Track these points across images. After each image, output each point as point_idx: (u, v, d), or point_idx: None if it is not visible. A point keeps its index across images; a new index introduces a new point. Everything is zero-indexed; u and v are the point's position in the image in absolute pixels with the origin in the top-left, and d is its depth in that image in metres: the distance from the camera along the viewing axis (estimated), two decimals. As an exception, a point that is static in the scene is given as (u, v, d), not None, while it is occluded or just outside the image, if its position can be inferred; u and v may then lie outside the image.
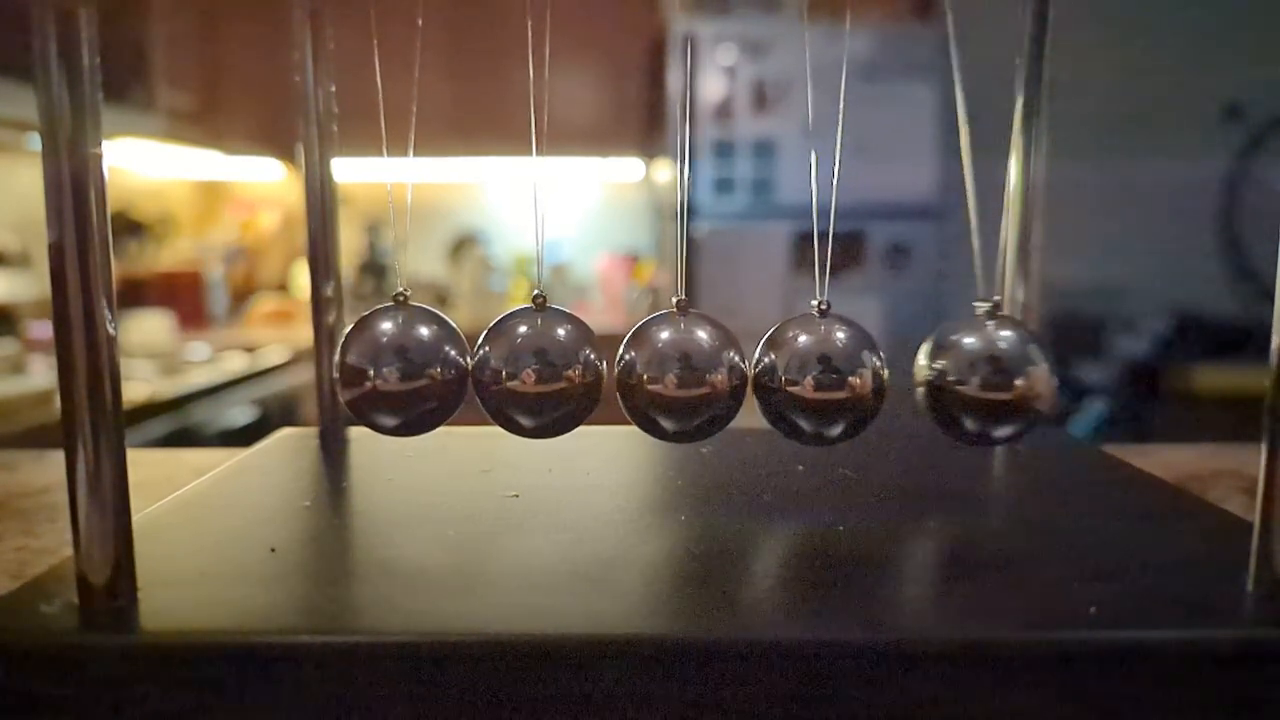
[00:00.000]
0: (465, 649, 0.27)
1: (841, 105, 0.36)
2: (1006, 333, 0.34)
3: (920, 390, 0.35)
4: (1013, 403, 0.33)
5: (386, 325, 0.33)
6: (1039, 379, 0.33)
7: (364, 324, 0.34)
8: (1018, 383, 0.33)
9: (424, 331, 0.33)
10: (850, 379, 0.33)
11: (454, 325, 0.34)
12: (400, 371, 0.33)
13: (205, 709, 0.27)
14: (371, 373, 0.33)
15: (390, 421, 0.34)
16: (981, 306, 0.34)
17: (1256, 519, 0.29)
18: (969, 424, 0.34)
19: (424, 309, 0.34)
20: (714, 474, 0.43)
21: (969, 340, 0.34)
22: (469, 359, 0.34)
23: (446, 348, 0.34)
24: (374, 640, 0.27)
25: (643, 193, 2.68)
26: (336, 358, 0.34)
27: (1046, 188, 0.47)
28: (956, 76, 0.36)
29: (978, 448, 0.35)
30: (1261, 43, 2.32)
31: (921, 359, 0.35)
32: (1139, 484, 0.42)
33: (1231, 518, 0.37)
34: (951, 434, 0.34)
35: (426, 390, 0.33)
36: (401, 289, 0.34)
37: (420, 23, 0.38)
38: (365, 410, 0.33)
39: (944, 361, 0.34)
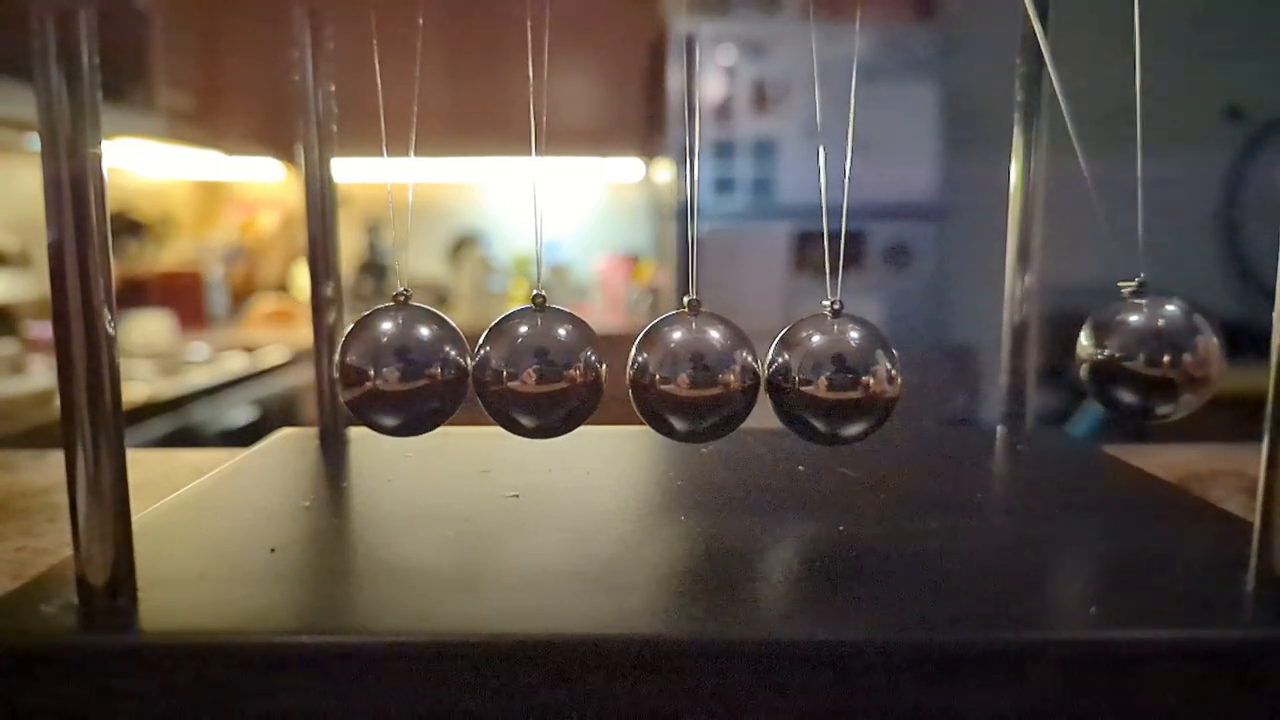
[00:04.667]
0: (465, 649, 0.27)
1: (852, 104, 0.36)
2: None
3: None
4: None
5: (386, 325, 0.33)
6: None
7: (364, 324, 0.34)
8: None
9: (424, 331, 0.33)
10: (864, 379, 0.33)
11: (454, 325, 0.34)
12: (400, 371, 0.33)
13: (205, 709, 0.27)
14: (372, 373, 0.33)
15: (390, 422, 0.34)
16: (1128, 286, 0.34)
17: (1256, 519, 0.29)
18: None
19: (424, 309, 0.34)
20: (714, 474, 0.43)
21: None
22: (469, 359, 0.34)
23: (447, 348, 0.34)
24: (374, 640, 0.27)
25: (643, 193, 2.68)
26: (336, 358, 0.34)
27: (1046, 187, 0.47)
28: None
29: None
30: (1261, 43, 2.32)
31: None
32: (1139, 484, 0.42)
33: (1231, 518, 0.36)
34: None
35: (427, 390, 0.33)
36: (402, 289, 0.34)
37: (421, 22, 0.38)
38: (365, 410, 0.33)
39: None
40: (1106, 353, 0.34)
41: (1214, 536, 0.35)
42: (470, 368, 0.34)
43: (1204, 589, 0.30)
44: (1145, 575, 0.31)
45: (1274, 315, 0.28)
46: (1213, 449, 0.59)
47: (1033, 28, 0.46)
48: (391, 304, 0.34)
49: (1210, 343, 0.33)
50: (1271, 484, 0.28)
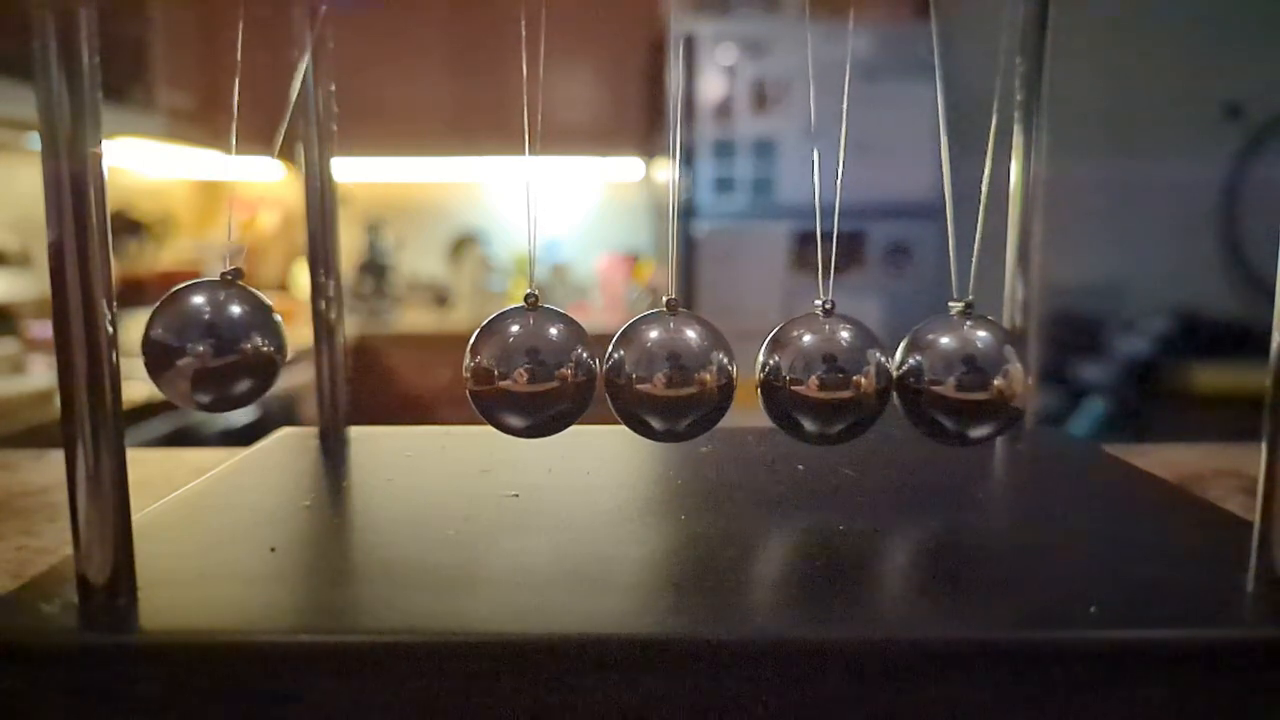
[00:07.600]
0: (465, 649, 0.27)
1: (845, 104, 0.36)
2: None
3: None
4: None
5: (199, 301, 0.34)
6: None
7: (175, 299, 0.34)
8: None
9: (236, 311, 0.34)
10: (855, 378, 0.33)
11: (272, 310, 0.36)
12: (214, 350, 0.33)
13: (205, 709, 0.27)
14: (186, 349, 0.33)
15: (203, 399, 0.34)
16: (956, 306, 0.35)
17: (1256, 519, 0.29)
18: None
19: (246, 289, 0.35)
20: (714, 474, 0.43)
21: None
22: (281, 346, 0.35)
23: (255, 333, 0.34)
24: (374, 640, 0.27)
25: (643, 192, 2.68)
26: (143, 331, 0.34)
27: (1046, 187, 0.47)
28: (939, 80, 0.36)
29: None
30: (1261, 43, 2.32)
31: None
32: (1139, 483, 0.42)
33: (1231, 518, 0.37)
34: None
35: (236, 367, 0.34)
36: (231, 268, 0.35)
37: (322, 11, 0.38)
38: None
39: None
40: (916, 369, 0.34)
41: (1214, 536, 0.35)
42: (470, 366, 0.34)
43: (1204, 589, 0.30)
44: (1145, 575, 0.31)
45: (1274, 315, 0.28)
46: (1213, 449, 0.59)
47: (1033, 27, 0.46)
48: (218, 280, 0.34)
49: (1016, 369, 0.33)
50: (1271, 484, 0.28)
